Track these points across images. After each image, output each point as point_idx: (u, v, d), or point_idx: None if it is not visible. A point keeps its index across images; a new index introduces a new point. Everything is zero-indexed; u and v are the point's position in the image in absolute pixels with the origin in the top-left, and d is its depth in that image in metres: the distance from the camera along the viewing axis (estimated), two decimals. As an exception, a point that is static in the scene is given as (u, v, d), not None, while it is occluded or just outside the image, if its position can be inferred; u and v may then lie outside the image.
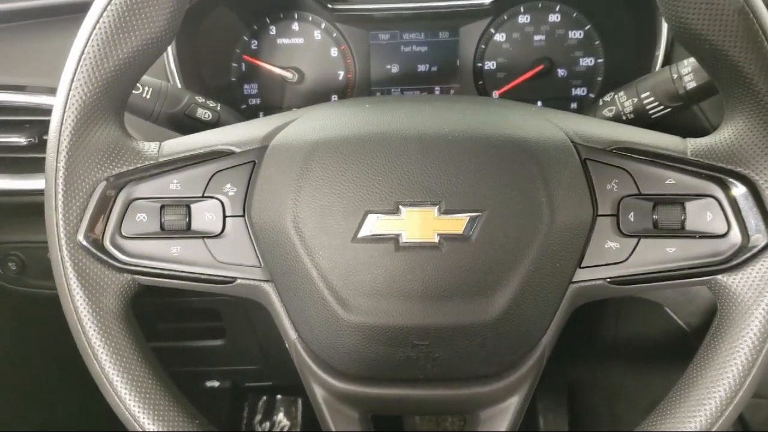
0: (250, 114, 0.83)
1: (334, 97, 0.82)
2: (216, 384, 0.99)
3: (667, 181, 0.48)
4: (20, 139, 0.71)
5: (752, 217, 0.47)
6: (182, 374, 0.68)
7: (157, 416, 0.49)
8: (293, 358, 0.52)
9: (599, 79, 0.79)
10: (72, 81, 0.47)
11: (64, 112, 0.48)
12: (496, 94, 0.80)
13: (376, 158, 0.48)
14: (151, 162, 0.50)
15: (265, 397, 1.40)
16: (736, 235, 0.47)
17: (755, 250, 0.46)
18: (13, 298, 0.87)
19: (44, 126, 0.73)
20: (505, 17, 0.79)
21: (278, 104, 0.83)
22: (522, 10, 0.78)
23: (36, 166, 0.74)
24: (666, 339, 0.89)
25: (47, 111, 0.73)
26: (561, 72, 0.80)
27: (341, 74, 0.82)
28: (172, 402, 0.50)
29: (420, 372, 0.49)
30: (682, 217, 0.48)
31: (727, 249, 0.47)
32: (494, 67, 0.80)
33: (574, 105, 0.80)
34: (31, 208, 0.77)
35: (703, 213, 0.48)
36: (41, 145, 0.73)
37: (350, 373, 0.50)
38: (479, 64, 0.80)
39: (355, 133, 0.50)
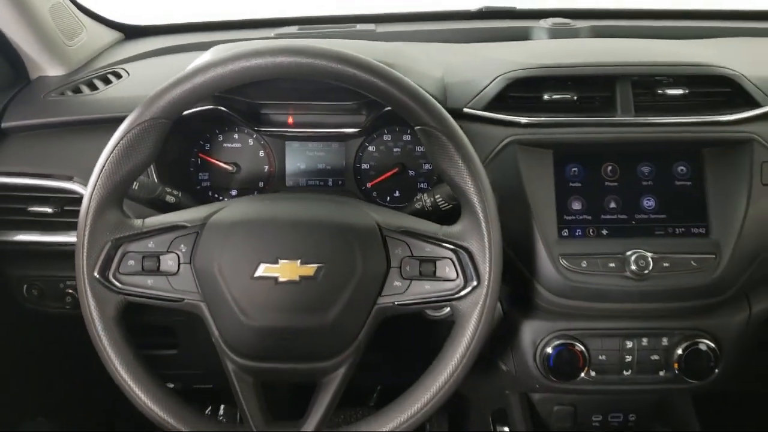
0: (203, 193, 1.19)
1: (261, 184, 1.19)
2: (171, 385, 1.32)
3: (426, 249, 0.85)
4: (48, 209, 1.07)
5: (469, 271, 0.84)
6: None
7: (135, 378, 0.84)
8: (216, 347, 0.88)
9: (435, 177, 1.16)
10: (95, 185, 0.83)
11: (89, 202, 0.84)
12: (369, 185, 1.18)
13: (267, 233, 0.85)
14: (137, 231, 0.86)
15: (210, 406, 1.75)
16: (461, 280, 0.83)
17: (469, 288, 0.83)
18: (33, 316, 1.20)
19: (64, 200, 1.10)
20: (375, 136, 1.17)
21: (222, 187, 1.18)
22: (386, 131, 1.18)
23: (56, 227, 1.08)
24: None
25: (66, 190, 1.07)
26: (411, 172, 1.15)
27: (266, 168, 1.17)
28: (145, 368, 0.85)
29: (287, 354, 0.85)
30: (434, 269, 0.84)
31: (456, 287, 0.83)
32: (368, 167, 1.17)
33: (418, 195, 1.14)
34: (51, 254, 1.11)
35: (444, 267, 0.84)
36: (62, 213, 1.07)
37: (248, 355, 0.86)
38: (358, 165, 1.17)
39: (255, 218, 0.86)
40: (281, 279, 0.82)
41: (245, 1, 1.77)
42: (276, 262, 0.83)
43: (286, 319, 0.84)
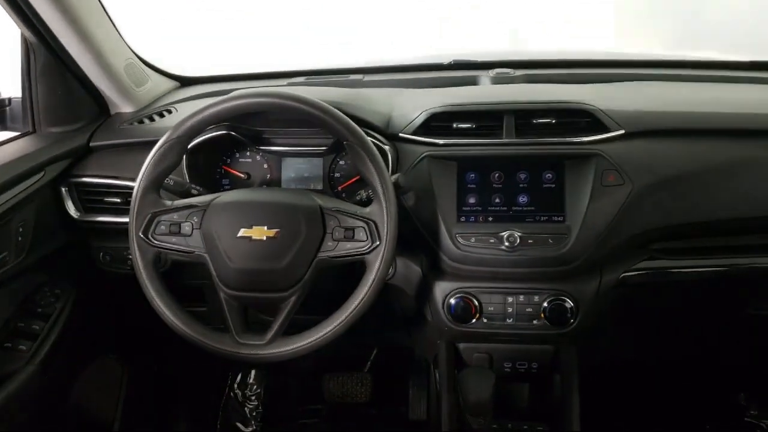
0: (224, 194, 1.69)
1: (264, 186, 1.67)
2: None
3: (349, 221, 1.27)
4: (118, 200, 1.59)
5: (374, 235, 1.27)
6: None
7: (160, 297, 1.31)
8: (214, 283, 1.35)
9: None
10: (140, 178, 1.33)
11: (137, 189, 1.33)
12: (339, 188, 1.63)
13: (246, 209, 1.30)
14: (167, 208, 1.34)
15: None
16: (370, 241, 1.26)
17: (374, 246, 1.25)
18: (104, 275, 1.72)
19: (128, 194, 1.60)
20: (344, 153, 1.62)
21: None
22: None
23: (123, 212, 1.58)
24: None
25: (129, 187, 1.57)
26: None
27: (268, 176, 1.63)
28: (167, 291, 1.32)
29: (258, 287, 1.30)
30: (353, 234, 1.27)
31: (366, 246, 1.25)
32: (338, 176, 1.60)
33: (359, 191, 1.44)
34: (118, 230, 1.60)
35: (360, 233, 1.26)
36: (126, 203, 1.56)
37: (233, 287, 1.31)
38: (331, 174, 1.62)
39: (239, 200, 1.33)
40: (254, 238, 1.25)
41: (268, 58, 2.30)
42: (251, 227, 1.26)
43: (257, 263, 1.28)
